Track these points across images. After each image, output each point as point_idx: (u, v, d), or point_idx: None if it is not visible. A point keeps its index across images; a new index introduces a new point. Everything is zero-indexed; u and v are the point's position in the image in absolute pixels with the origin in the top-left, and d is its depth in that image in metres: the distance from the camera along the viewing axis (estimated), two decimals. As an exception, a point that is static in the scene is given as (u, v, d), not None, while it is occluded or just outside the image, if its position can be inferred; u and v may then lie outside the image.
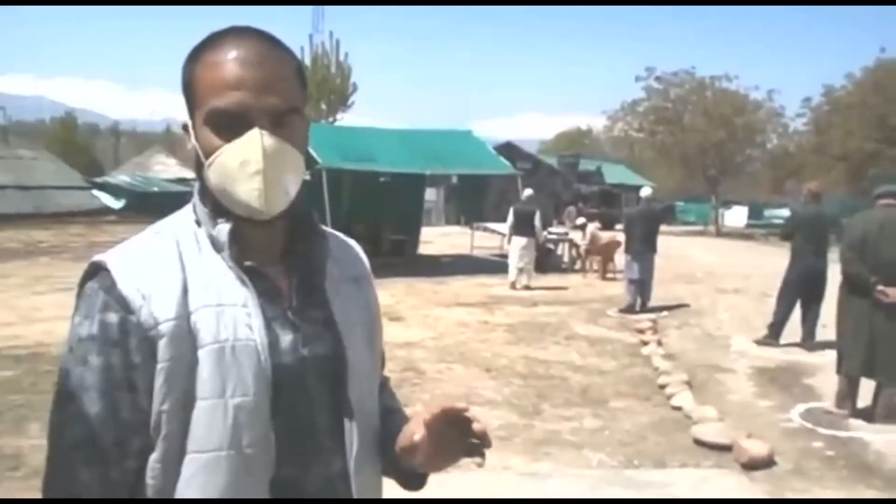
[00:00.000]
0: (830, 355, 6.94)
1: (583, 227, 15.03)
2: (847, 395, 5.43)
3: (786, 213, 35.70)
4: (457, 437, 1.05)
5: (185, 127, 1.05)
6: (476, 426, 1.03)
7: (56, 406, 0.95)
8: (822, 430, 5.20)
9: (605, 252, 14.00)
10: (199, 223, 1.04)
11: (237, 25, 1.04)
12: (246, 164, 0.97)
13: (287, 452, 0.99)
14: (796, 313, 7.95)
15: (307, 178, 1.07)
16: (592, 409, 5.74)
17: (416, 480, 1.18)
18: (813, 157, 31.87)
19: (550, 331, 8.71)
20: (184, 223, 1.05)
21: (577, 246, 15.26)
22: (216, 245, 1.01)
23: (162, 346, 0.93)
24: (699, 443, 4.87)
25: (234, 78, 0.97)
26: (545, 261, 13.78)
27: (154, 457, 0.94)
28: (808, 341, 7.78)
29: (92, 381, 0.93)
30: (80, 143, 49.22)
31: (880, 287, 5.10)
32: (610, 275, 13.77)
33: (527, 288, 12.12)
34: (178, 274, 0.97)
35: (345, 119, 25.76)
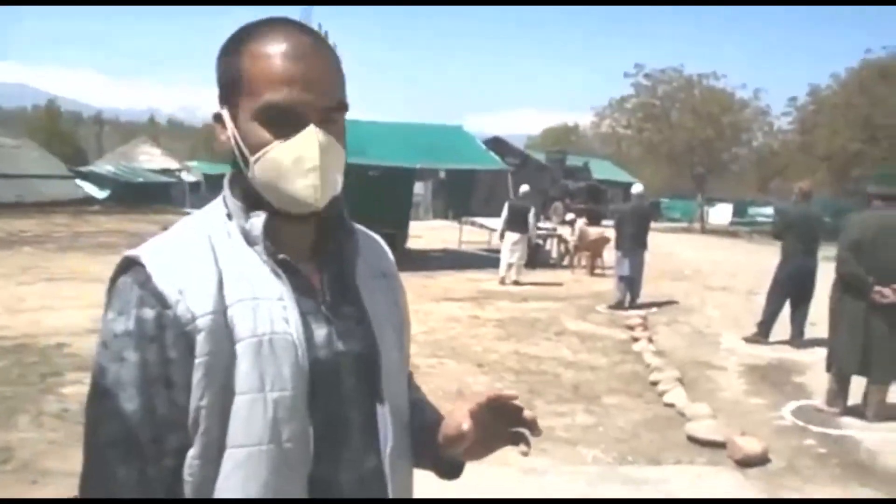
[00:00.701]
0: (819, 353, 7.01)
1: (572, 223, 15.06)
2: (838, 393, 5.47)
3: (770, 211, 36.27)
4: (501, 425, 1.07)
5: (218, 117, 1.03)
6: (527, 414, 1.06)
7: (91, 403, 0.94)
8: (813, 428, 5.24)
9: (593, 248, 14.04)
10: (230, 217, 1.02)
11: (275, 17, 1.02)
12: (301, 161, 0.97)
13: (322, 449, 0.98)
14: (784, 311, 8.01)
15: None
16: (585, 405, 5.75)
17: (455, 470, 1.20)
18: (798, 157, 32.11)
19: (541, 326, 8.72)
20: (215, 217, 1.03)
21: (565, 242, 15.29)
22: (249, 239, 1.00)
23: (200, 341, 0.91)
24: (693, 440, 4.89)
25: (289, 72, 0.96)
26: (534, 256, 13.80)
27: (192, 453, 0.92)
28: (797, 339, 7.85)
29: (128, 378, 0.91)
30: (63, 132, 48.67)
31: (878, 287, 5.13)
32: (598, 271, 13.82)
33: (516, 283, 12.13)
34: (212, 268, 0.96)
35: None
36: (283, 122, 0.97)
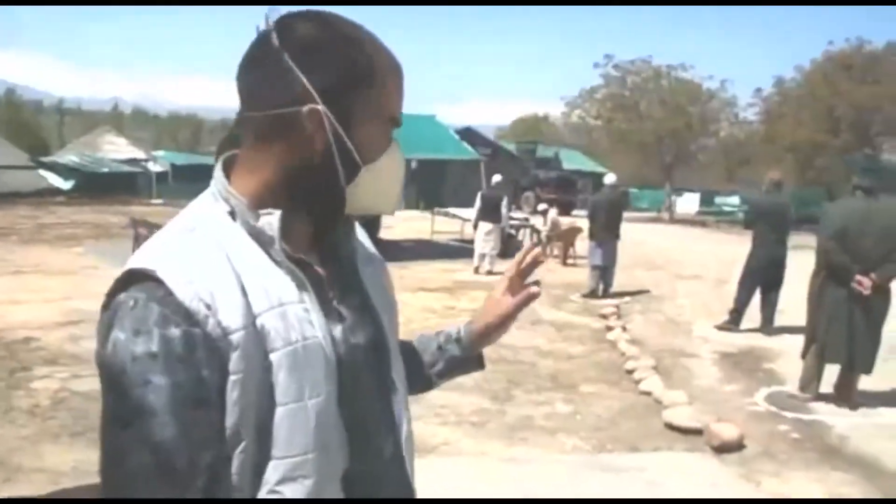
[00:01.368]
0: (789, 340, 7.17)
1: (544, 213, 15.12)
2: (811, 379, 5.57)
3: (736, 200, 36.86)
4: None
5: (313, 112, 0.94)
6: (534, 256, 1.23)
7: (113, 432, 0.85)
8: (786, 414, 5.35)
9: (565, 238, 14.12)
10: (233, 215, 0.96)
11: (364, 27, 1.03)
12: (399, 172, 1.04)
13: (353, 445, 0.97)
14: (754, 299, 8.15)
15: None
16: (563, 393, 5.79)
17: (481, 360, 1.32)
18: (763, 147, 32.66)
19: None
20: (215, 217, 0.96)
21: (538, 232, 15.35)
22: (262, 238, 0.94)
23: (234, 358, 0.86)
24: (670, 427, 4.96)
25: (402, 91, 1.02)
26: (507, 246, 13.82)
27: (233, 470, 0.88)
28: (767, 326, 7.99)
29: (158, 403, 0.83)
30: (24, 122, 47.52)
31: (858, 277, 5.20)
32: (570, 260, 13.90)
33: (490, 273, 12.15)
34: (232, 276, 0.90)
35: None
36: (388, 136, 1.01)
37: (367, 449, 1.01)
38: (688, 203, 38.93)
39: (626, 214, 11.21)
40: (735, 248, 8.78)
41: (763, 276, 7.98)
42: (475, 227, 12.60)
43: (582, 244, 12.33)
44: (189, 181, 27.24)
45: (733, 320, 8.17)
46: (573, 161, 38.68)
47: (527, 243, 15.76)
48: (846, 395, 5.44)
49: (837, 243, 5.31)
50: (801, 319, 5.93)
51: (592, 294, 10.22)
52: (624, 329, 8.13)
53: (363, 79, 0.95)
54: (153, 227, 8.01)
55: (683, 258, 15.25)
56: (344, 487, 0.96)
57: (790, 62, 75.23)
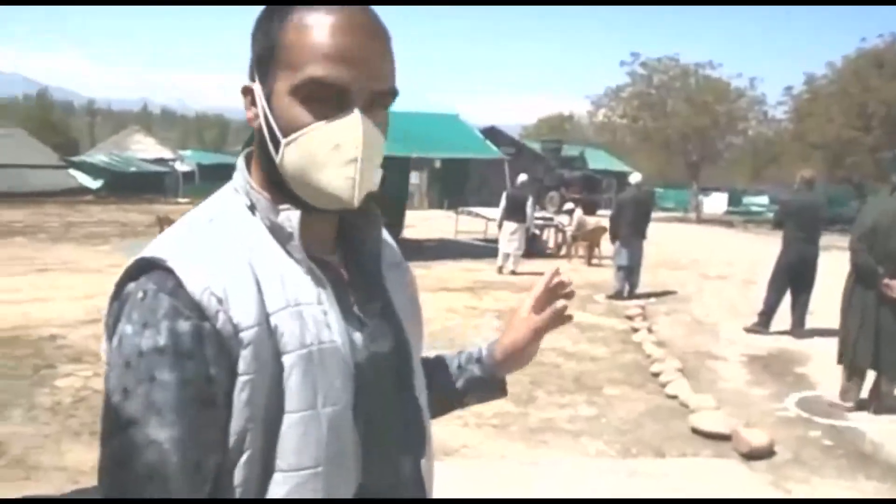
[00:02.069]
0: (820, 343, 6.99)
1: (570, 213, 14.98)
2: (851, 387, 5.38)
3: (764, 200, 36.32)
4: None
5: (247, 91, 0.91)
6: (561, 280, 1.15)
7: (114, 430, 0.80)
8: (818, 420, 5.19)
9: (591, 238, 13.96)
10: (252, 209, 0.91)
11: None
12: (341, 149, 0.85)
13: (367, 460, 0.90)
14: (784, 300, 7.96)
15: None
16: (587, 396, 5.69)
17: (503, 386, 1.24)
18: (792, 145, 32.12)
19: (540, 317, 8.63)
20: (235, 209, 0.91)
21: (562, 231, 15.21)
22: (281, 235, 0.89)
23: (244, 357, 0.80)
24: (697, 431, 4.84)
25: (340, 47, 0.84)
26: (531, 246, 13.72)
27: (236, 479, 0.82)
28: (798, 329, 7.80)
29: (164, 401, 0.78)
30: (55, 122, 48.32)
31: (886, 280, 5.05)
32: (595, 261, 13.75)
33: (513, 273, 12.06)
34: (248, 271, 0.84)
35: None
36: (325, 103, 0.85)
37: (384, 466, 0.95)
38: (715, 203, 38.42)
39: (653, 214, 11.03)
40: (762, 248, 8.62)
41: (793, 276, 7.78)
42: (500, 226, 12.52)
43: (607, 244, 12.18)
44: (215, 181, 27.17)
45: (762, 322, 7.99)
46: (598, 160, 38.35)
47: (551, 243, 15.64)
48: (876, 400, 5.26)
49: (865, 244, 5.15)
50: (832, 322, 5.76)
51: (618, 295, 10.08)
52: (650, 330, 8.00)
53: (275, 46, 0.87)
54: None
55: (710, 258, 15.02)
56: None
57: (821, 60, 74.01)
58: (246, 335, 0.81)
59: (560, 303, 1.13)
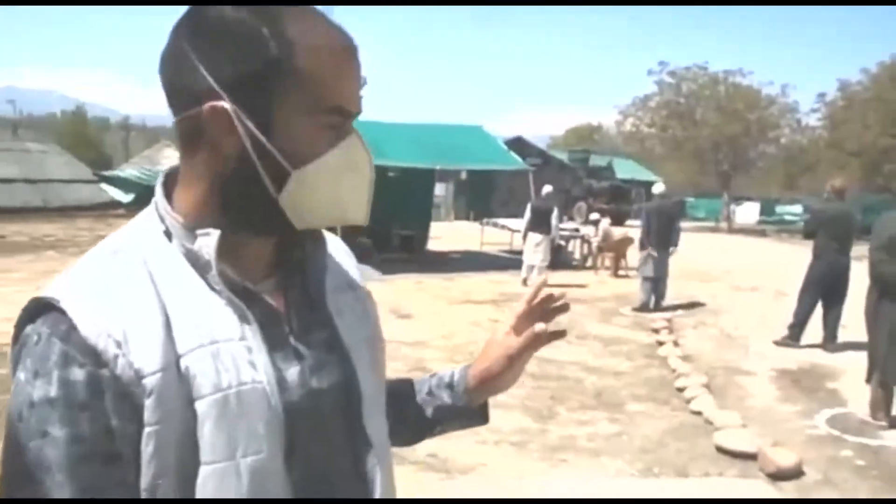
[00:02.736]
0: (852, 357, 6.75)
1: (596, 223, 14.81)
2: (882, 404, 5.18)
3: (798, 209, 35.63)
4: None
5: (220, 112, 0.78)
6: (552, 296, 1.09)
7: (10, 489, 0.73)
8: (849, 438, 4.99)
9: (617, 249, 13.78)
10: (168, 235, 0.82)
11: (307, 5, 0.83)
12: (356, 171, 0.84)
13: None
14: (816, 313, 7.72)
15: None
16: (608, 412, 5.55)
17: (485, 412, 1.13)
18: (827, 153, 31.51)
19: (563, 330, 8.50)
20: (148, 237, 0.82)
21: (588, 242, 15.04)
22: (197, 263, 0.80)
23: (149, 406, 0.72)
24: (722, 450, 4.67)
25: (353, 72, 0.83)
26: (556, 257, 13.57)
27: None
28: (830, 342, 7.55)
29: (56, 459, 0.71)
30: (90, 137, 49.37)
31: None
32: (622, 272, 13.55)
33: (538, 285, 11.92)
34: (156, 307, 0.76)
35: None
36: (336, 132, 0.82)
37: None
38: (747, 212, 37.78)
39: (683, 224, 10.82)
40: (796, 259, 8.38)
41: (824, 288, 7.55)
42: (524, 238, 12.40)
43: (634, 255, 11.99)
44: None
45: (793, 335, 7.76)
46: (627, 170, 37.99)
47: (577, 254, 15.46)
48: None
49: (886, 254, 4.96)
50: (865, 335, 5.55)
51: (644, 307, 9.89)
52: (676, 344, 7.81)
53: (281, 65, 0.77)
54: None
55: (741, 269, 14.71)
56: None
57: (855, 66, 72.72)
58: (149, 381, 0.73)
59: (538, 326, 1.03)
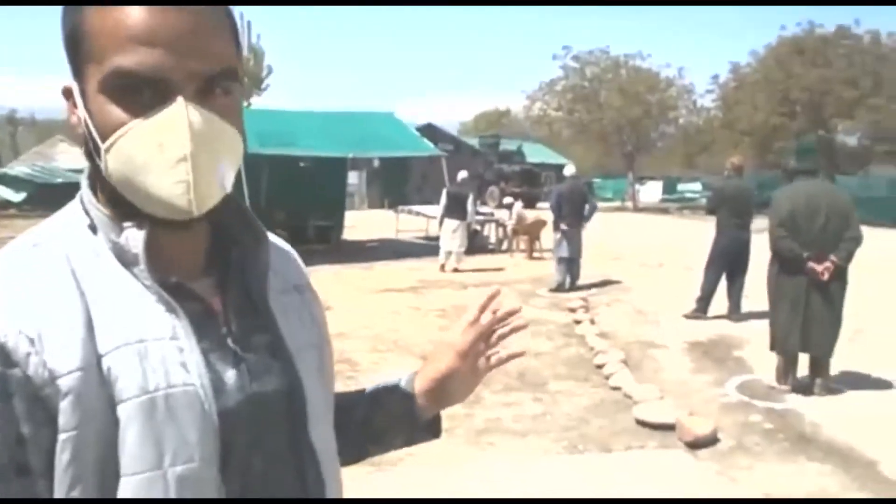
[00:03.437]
0: (756, 326, 7.12)
1: (510, 207, 15.01)
2: (786, 369, 5.49)
3: (697, 186, 37.28)
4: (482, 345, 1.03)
5: (66, 92, 0.77)
6: (508, 310, 1.04)
7: None
8: (758, 403, 5.26)
9: (531, 231, 14.01)
10: (94, 229, 0.77)
11: None
12: (166, 148, 0.71)
13: None
14: (721, 286, 8.10)
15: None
16: (532, 393, 5.65)
17: (435, 426, 1.08)
18: (721, 133, 33.07)
19: (483, 314, 8.57)
20: (72, 230, 0.77)
21: (503, 226, 15.24)
22: (125, 258, 0.75)
23: (64, 409, 0.66)
24: (642, 423, 4.84)
25: (149, 28, 0.70)
26: (473, 242, 13.69)
27: None
28: (735, 313, 7.95)
29: None
30: (-29, 134, 46.07)
31: (811, 264, 5.15)
32: (537, 254, 13.81)
33: (456, 271, 11.99)
34: (76, 303, 0.70)
35: (259, 103, 24.99)
36: (143, 96, 0.71)
37: None
38: (651, 191, 39.26)
39: (594, 204, 11.07)
40: (698, 234, 8.80)
41: (728, 261, 7.94)
42: (440, 224, 12.44)
43: (548, 237, 12.23)
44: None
45: (701, 308, 8.12)
46: (537, 154, 38.71)
47: (493, 238, 15.64)
48: (820, 383, 5.36)
49: (786, 230, 5.26)
50: (767, 304, 5.87)
51: (560, 287, 10.11)
52: (592, 322, 8.03)
53: (76, 33, 0.74)
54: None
55: (648, 246, 15.25)
56: None
57: (745, 48, 76.46)
58: (65, 382, 0.67)
59: (484, 319, 1.02)
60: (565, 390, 5.72)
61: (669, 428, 4.67)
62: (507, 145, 34.97)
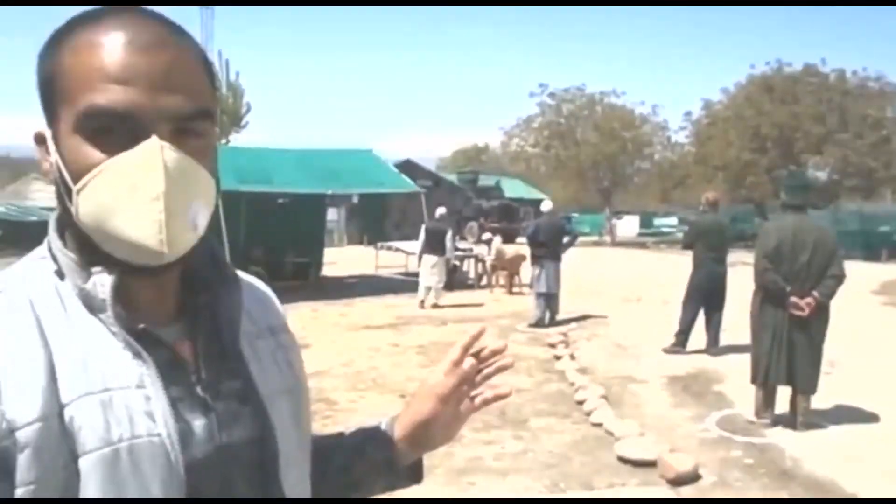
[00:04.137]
0: (735, 360, 7.16)
1: (488, 243, 15.06)
2: (765, 403, 5.50)
3: (673, 221, 37.81)
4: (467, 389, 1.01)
5: (39, 138, 0.76)
6: (493, 349, 1.03)
7: None
8: (738, 438, 5.25)
9: (510, 266, 14.05)
10: (60, 275, 0.75)
11: (113, 5, 0.76)
12: (139, 188, 0.70)
13: None
14: (699, 320, 8.15)
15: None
16: (513, 430, 5.59)
17: (416, 471, 1.07)
18: (695, 168, 33.60)
19: (463, 350, 8.53)
20: (38, 275, 0.76)
21: (482, 261, 15.27)
22: (92, 304, 0.73)
23: (23, 462, 0.64)
24: (623, 460, 4.80)
25: (123, 67, 0.71)
26: (452, 278, 13.69)
27: None
28: (714, 347, 7.99)
29: None
30: (-56, 172, 45.51)
31: (793, 299, 5.19)
32: (516, 289, 13.83)
33: (436, 307, 11.96)
34: (39, 351, 0.68)
35: (239, 140, 25.01)
36: (115, 136, 0.71)
37: None
38: (627, 226, 39.70)
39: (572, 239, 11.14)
40: (675, 269, 8.89)
41: (705, 295, 7.99)
42: (420, 260, 12.44)
43: (527, 272, 12.26)
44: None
45: (680, 342, 8.15)
46: (515, 189, 39.01)
47: (472, 274, 15.65)
48: (802, 418, 5.37)
49: (770, 262, 5.31)
50: (745, 338, 5.90)
51: (539, 323, 10.11)
52: (572, 357, 8.02)
53: (51, 74, 0.74)
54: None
55: (627, 281, 15.36)
56: None
57: (716, 85, 78.31)
58: (24, 434, 0.64)
59: (467, 364, 0.99)
60: (546, 427, 5.68)
61: (651, 465, 4.64)
62: (486, 181, 35.22)
